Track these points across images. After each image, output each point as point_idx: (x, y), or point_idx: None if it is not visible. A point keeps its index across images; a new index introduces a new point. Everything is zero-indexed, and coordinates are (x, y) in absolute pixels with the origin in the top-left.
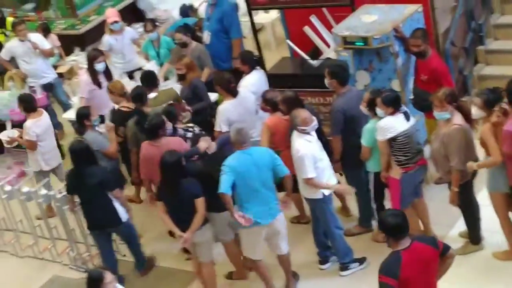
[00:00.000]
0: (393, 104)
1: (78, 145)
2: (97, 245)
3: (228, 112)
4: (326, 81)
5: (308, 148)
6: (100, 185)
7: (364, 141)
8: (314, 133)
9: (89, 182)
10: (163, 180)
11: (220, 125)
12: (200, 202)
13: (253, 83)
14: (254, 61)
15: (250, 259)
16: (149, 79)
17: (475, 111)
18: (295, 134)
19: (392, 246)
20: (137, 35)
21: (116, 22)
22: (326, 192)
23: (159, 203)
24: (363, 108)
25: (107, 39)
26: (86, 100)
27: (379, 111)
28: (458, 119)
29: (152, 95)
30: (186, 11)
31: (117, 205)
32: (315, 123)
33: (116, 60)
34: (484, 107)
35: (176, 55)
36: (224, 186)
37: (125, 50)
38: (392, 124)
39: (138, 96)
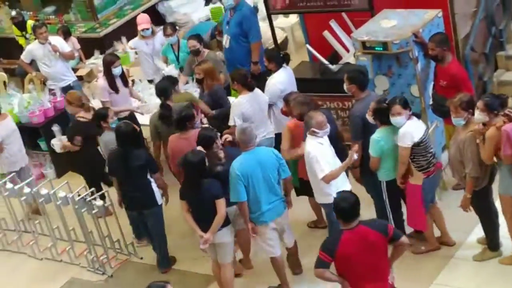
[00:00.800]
0: (408, 105)
1: (125, 127)
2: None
3: (243, 107)
4: (345, 86)
5: (319, 149)
6: (144, 167)
7: (372, 151)
8: (326, 138)
9: (134, 163)
10: (185, 179)
11: (234, 119)
12: (220, 203)
13: (281, 81)
14: (280, 58)
15: (271, 258)
16: (163, 91)
17: (477, 115)
18: (307, 136)
19: (341, 226)
20: (165, 41)
21: (147, 28)
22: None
23: (182, 202)
24: (369, 117)
25: (136, 43)
26: (109, 103)
27: (397, 118)
28: (473, 127)
29: (188, 87)
30: None
31: (155, 188)
32: (327, 129)
33: (147, 65)
34: (485, 110)
35: (189, 64)
36: (241, 194)
37: (156, 53)
38: (414, 129)
39: (163, 90)
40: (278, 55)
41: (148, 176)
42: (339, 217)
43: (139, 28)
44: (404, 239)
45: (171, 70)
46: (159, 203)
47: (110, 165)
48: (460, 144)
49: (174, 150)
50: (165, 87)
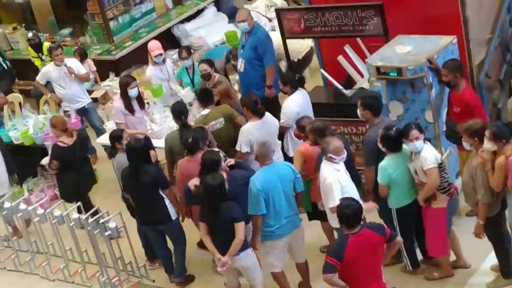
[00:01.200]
0: (422, 129)
1: (134, 143)
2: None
3: (250, 134)
4: (359, 112)
5: (336, 176)
6: (154, 183)
7: (379, 179)
8: (342, 164)
9: (144, 179)
10: (205, 202)
11: (241, 145)
12: (239, 227)
13: (296, 103)
14: (295, 81)
15: (273, 273)
16: (206, 96)
17: (486, 144)
18: (323, 162)
19: (345, 231)
20: (174, 67)
21: (160, 54)
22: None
23: (202, 224)
24: (379, 145)
25: (151, 71)
26: (124, 125)
27: (416, 143)
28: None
29: (205, 111)
30: None
31: (167, 203)
32: (344, 155)
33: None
34: (493, 139)
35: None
36: (261, 208)
37: (171, 78)
38: (434, 151)
39: (182, 110)
40: (293, 78)
41: (160, 192)
42: (343, 222)
43: (153, 54)
44: (399, 238)
45: (187, 93)
46: (173, 218)
47: (123, 181)
48: (472, 171)
49: (184, 175)
50: (183, 107)
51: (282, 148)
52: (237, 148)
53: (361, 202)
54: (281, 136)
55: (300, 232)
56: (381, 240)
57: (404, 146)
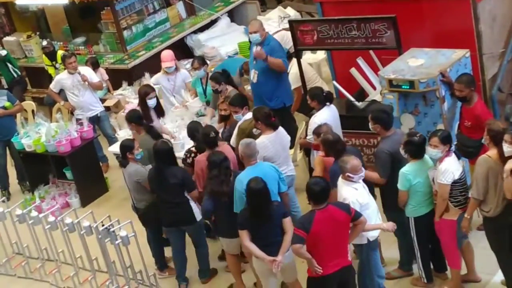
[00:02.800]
0: (449, 141)
1: (163, 146)
2: (170, 243)
3: (266, 148)
4: (370, 126)
5: (355, 196)
6: (181, 185)
7: (400, 185)
8: (361, 181)
9: (170, 181)
10: (249, 207)
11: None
12: (288, 222)
13: (323, 119)
14: (322, 97)
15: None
16: (240, 100)
17: (506, 148)
18: (341, 181)
19: (312, 206)
20: (190, 78)
21: (171, 66)
22: (371, 237)
23: (243, 232)
24: (402, 151)
25: (158, 78)
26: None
27: (433, 151)
28: (492, 152)
29: (248, 116)
30: None
31: (193, 205)
32: (363, 173)
33: (166, 100)
34: None
35: (214, 100)
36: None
37: (176, 90)
38: (454, 165)
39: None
40: (321, 93)
41: (186, 194)
42: (311, 198)
43: (163, 65)
44: (363, 218)
45: (195, 103)
46: (198, 219)
47: (150, 182)
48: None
49: (203, 170)
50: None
51: (309, 164)
52: None
53: (379, 220)
54: (307, 152)
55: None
56: (346, 217)
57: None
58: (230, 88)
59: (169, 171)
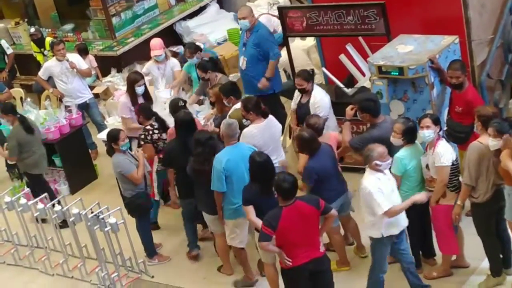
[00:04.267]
0: (439, 122)
1: (184, 116)
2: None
3: (253, 137)
4: (359, 116)
5: (377, 185)
6: None
7: (394, 170)
8: (387, 172)
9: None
10: (259, 182)
11: None
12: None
13: (325, 93)
14: (313, 76)
15: (237, 249)
16: (235, 90)
17: (491, 142)
18: (368, 171)
19: (280, 202)
20: (178, 66)
21: (159, 55)
22: (385, 233)
23: (249, 207)
24: (396, 140)
25: (149, 67)
26: (130, 120)
27: (425, 132)
28: (483, 138)
29: (238, 105)
30: None
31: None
32: (390, 160)
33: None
34: (497, 135)
35: (202, 86)
36: (222, 185)
37: (166, 79)
38: (449, 148)
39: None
40: (311, 74)
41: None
42: (280, 195)
43: (152, 54)
44: (333, 211)
45: (164, 93)
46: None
47: (169, 156)
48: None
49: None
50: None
51: None
52: None
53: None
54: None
55: None
56: (314, 211)
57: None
58: (220, 75)
59: (191, 141)
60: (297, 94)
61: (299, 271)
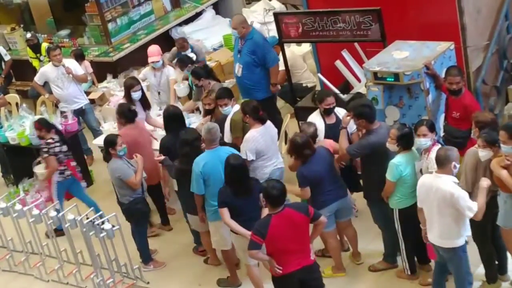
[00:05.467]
0: (435, 128)
1: (174, 110)
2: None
3: (256, 142)
4: (355, 122)
5: (459, 188)
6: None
7: (389, 176)
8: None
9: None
10: (231, 184)
11: (246, 153)
12: None
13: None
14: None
15: (223, 251)
16: (229, 92)
17: (482, 153)
18: (446, 177)
19: (268, 210)
20: (174, 75)
21: (157, 61)
22: (467, 237)
23: (223, 210)
24: (391, 146)
25: (146, 73)
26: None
27: (422, 140)
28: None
29: (236, 107)
30: None
31: None
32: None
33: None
34: (487, 146)
35: (197, 93)
36: (200, 188)
37: (161, 87)
38: None
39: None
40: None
41: None
42: (269, 202)
43: (149, 60)
44: (322, 218)
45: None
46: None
47: (164, 149)
48: (465, 157)
49: (129, 142)
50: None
51: None
52: (242, 155)
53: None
54: None
55: None
56: (304, 218)
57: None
58: (212, 82)
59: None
60: (315, 118)
61: (290, 278)
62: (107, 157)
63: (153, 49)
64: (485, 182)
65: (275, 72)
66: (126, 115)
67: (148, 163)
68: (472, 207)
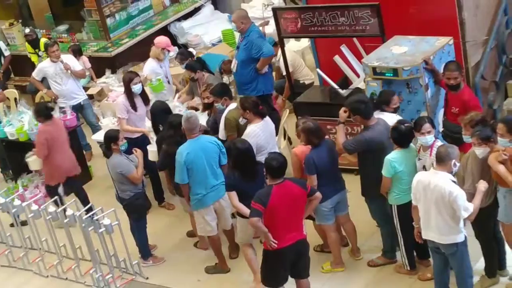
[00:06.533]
0: (434, 125)
1: (160, 105)
2: None
3: (257, 136)
4: (352, 118)
5: (458, 187)
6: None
7: (384, 171)
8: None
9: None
10: (240, 168)
11: None
12: None
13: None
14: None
15: (209, 237)
16: (221, 90)
17: (477, 150)
18: (446, 174)
19: (269, 181)
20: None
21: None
22: (465, 232)
23: (232, 193)
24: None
25: (155, 68)
26: (125, 121)
27: (427, 137)
28: None
29: (233, 105)
30: None
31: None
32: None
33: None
34: (482, 143)
35: (190, 87)
36: (184, 178)
37: (169, 76)
38: None
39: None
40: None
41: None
42: (269, 173)
43: (171, 50)
44: (318, 194)
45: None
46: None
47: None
48: (463, 160)
49: (47, 139)
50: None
51: None
52: None
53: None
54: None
55: (225, 201)
56: (302, 193)
57: (411, 144)
58: (206, 74)
59: None
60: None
61: (284, 253)
62: (107, 153)
63: (166, 40)
64: (482, 185)
65: (264, 61)
66: (43, 113)
67: (66, 159)
68: (469, 208)
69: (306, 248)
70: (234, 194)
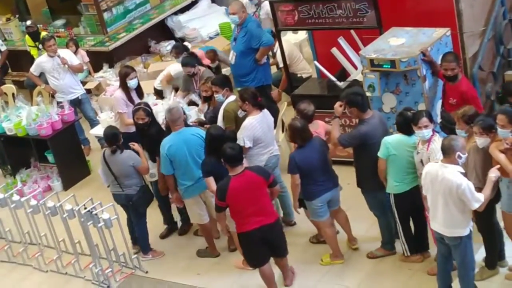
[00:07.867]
0: (433, 119)
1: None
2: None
3: (254, 129)
4: (347, 110)
5: (465, 178)
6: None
7: (380, 153)
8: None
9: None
10: (214, 153)
11: (244, 140)
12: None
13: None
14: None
15: (200, 224)
16: (223, 80)
17: (479, 140)
18: (452, 167)
19: (230, 172)
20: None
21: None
22: (471, 226)
23: (209, 179)
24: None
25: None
26: (126, 114)
27: (424, 131)
28: (474, 138)
29: (232, 97)
30: None
31: None
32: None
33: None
34: (483, 133)
35: (186, 82)
36: (168, 169)
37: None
38: None
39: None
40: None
41: None
42: (227, 162)
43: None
44: (277, 187)
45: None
46: None
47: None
48: None
49: None
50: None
51: None
52: (240, 142)
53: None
54: None
55: (208, 193)
56: (262, 181)
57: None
58: (202, 68)
59: None
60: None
61: (250, 236)
62: (117, 149)
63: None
64: (493, 174)
65: (264, 51)
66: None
67: None
68: (480, 198)
69: (274, 231)
70: (211, 179)
